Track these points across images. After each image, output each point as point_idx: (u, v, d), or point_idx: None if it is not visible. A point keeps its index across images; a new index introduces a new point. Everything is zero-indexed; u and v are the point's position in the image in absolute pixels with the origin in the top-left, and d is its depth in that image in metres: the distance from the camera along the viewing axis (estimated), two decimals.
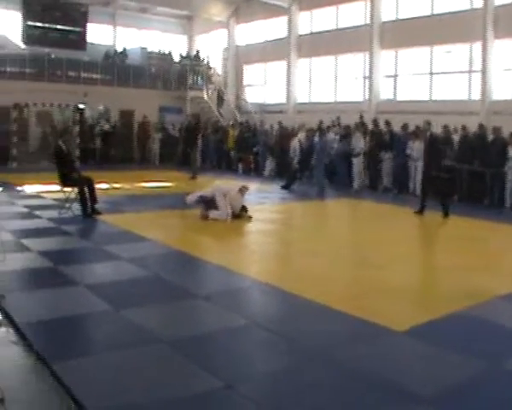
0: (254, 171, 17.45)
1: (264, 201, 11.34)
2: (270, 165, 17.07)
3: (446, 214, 9.65)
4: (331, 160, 14.22)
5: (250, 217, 8.82)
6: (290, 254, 6.85)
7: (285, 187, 13.65)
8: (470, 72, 15.33)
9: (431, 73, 16.25)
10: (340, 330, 4.08)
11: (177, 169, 17.60)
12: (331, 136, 14.99)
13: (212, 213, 8.61)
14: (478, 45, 14.90)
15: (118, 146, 19.05)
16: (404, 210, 10.68)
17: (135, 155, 19.40)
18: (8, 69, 17.89)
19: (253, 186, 13.88)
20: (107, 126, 18.89)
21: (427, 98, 16.18)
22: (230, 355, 3.56)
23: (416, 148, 12.69)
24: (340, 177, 14.24)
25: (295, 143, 15.19)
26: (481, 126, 12.43)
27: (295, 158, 14.10)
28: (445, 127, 12.64)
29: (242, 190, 8.99)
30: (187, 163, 16.32)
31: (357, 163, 13.48)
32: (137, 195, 11.64)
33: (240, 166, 18.02)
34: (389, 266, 6.05)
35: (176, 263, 6.06)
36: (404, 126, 13.59)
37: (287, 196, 12.66)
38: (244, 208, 8.85)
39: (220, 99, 22.25)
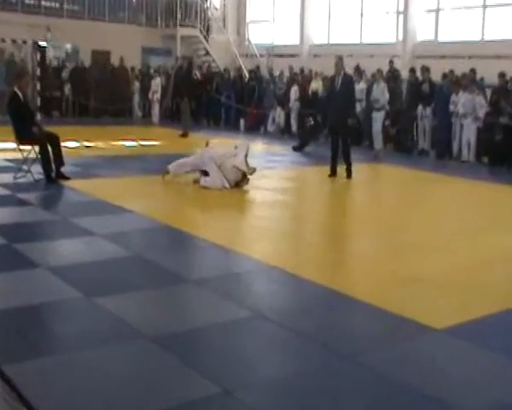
0: (258, 127, 17.37)
1: (271, 165, 11.32)
2: (279, 121, 16.95)
3: None
4: (357, 117, 14.06)
5: (250, 175, 8.68)
6: (303, 232, 6.83)
7: (297, 148, 13.62)
8: None
9: (484, 6, 15.83)
10: (366, 327, 4.05)
11: (164, 125, 17.51)
12: (357, 87, 14.80)
13: (204, 180, 8.56)
14: None
15: (90, 95, 18.90)
16: (447, 179, 10.60)
17: (111, 107, 19.23)
18: None
19: (258, 147, 13.82)
20: (73, 69, 18.69)
21: (477, 38, 15.83)
22: (229, 355, 3.53)
23: (461, 101, 12.55)
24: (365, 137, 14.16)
25: (293, 93, 15.06)
26: None
27: (293, 110, 14.01)
28: (502, 76, 12.40)
29: (240, 150, 8.80)
30: (176, 117, 16.23)
31: (380, 119, 13.28)
32: (114, 156, 11.63)
33: (242, 122, 17.89)
34: (431, 249, 6.00)
35: (162, 241, 6.07)
36: (448, 75, 13.35)
37: (299, 159, 12.62)
38: (246, 173, 8.71)
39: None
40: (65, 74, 18.65)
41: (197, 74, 19.01)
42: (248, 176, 8.71)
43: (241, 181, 8.70)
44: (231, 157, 8.68)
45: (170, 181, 8.89)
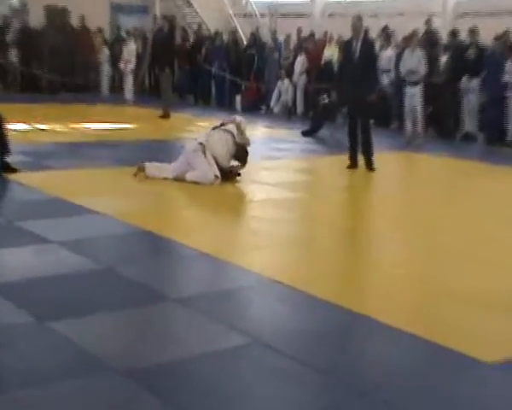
0: (259, 106, 17.40)
1: (276, 154, 11.36)
2: (286, 98, 16.98)
3: None
4: (383, 92, 14.07)
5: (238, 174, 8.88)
6: (316, 238, 6.83)
7: (308, 133, 13.67)
8: None
9: None
10: (399, 360, 4.05)
11: (139, 103, 17.52)
12: (385, 54, 14.82)
13: (190, 175, 8.60)
14: None
15: (43, 65, 18.89)
16: (501, 171, 10.67)
17: (71, 81, 19.25)
18: None
19: (259, 131, 13.82)
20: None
21: None
22: (220, 393, 3.51)
23: None
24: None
25: (299, 63, 15.10)
26: None
27: (299, 86, 14.03)
28: None
29: (231, 125, 8.95)
30: (155, 94, 16.23)
31: (418, 96, 13.23)
32: (76, 143, 11.66)
33: (238, 99, 17.92)
34: (478, 260, 6.02)
35: (138, 250, 6.11)
36: (501, 37, 13.33)
37: (311, 146, 12.67)
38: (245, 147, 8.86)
39: None
40: (10, 37, 18.61)
41: (182, 39, 19.05)
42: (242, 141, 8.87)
43: (236, 156, 8.83)
44: (221, 127, 8.90)
45: (146, 175, 8.89)
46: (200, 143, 8.64)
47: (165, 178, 8.70)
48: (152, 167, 8.79)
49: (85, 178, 8.89)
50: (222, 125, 9.06)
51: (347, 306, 4.72)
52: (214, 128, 9.05)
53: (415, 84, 13.08)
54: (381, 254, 6.25)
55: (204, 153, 8.59)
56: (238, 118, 9.25)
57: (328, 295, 4.90)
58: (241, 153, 8.89)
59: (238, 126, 8.96)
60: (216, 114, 15.88)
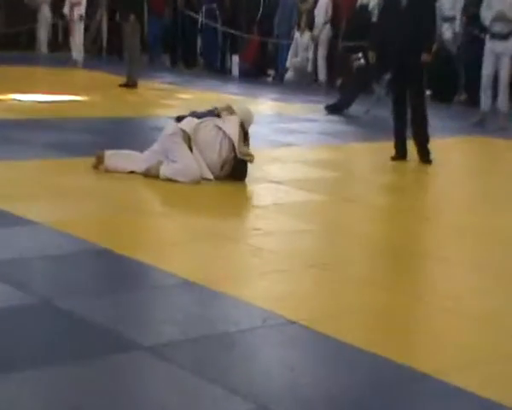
0: (264, 70, 17.41)
1: (288, 140, 11.43)
2: (304, 59, 17.04)
3: None
4: (445, 50, 14.12)
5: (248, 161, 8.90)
6: (345, 260, 6.86)
7: (335, 108, 13.76)
8: None
9: None
10: None
11: (93, 66, 17.51)
12: None
13: (166, 169, 8.63)
14: None
15: None
16: None
17: None
18: None
19: (264, 106, 13.81)
20: None
21: None
22: None
23: None
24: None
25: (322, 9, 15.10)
26: None
27: (322, 42, 14.01)
28: None
29: (232, 116, 8.96)
30: (116, 52, 16.16)
31: (504, 55, 13.19)
32: (1, 120, 11.72)
33: (235, 60, 17.95)
34: None
35: (94, 276, 6.14)
36: None
37: (339, 127, 12.73)
38: (244, 157, 8.86)
39: None
40: None
41: None
42: (245, 158, 8.82)
43: (232, 169, 8.81)
44: (213, 122, 8.83)
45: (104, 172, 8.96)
46: (183, 131, 8.68)
47: (132, 172, 8.75)
48: (115, 157, 8.85)
49: (13, 173, 8.89)
50: (217, 114, 9.02)
51: (389, 355, 4.73)
52: (203, 115, 9.03)
53: (505, 37, 12.95)
54: (439, 284, 6.27)
55: (188, 145, 8.64)
56: (243, 109, 9.17)
57: (361, 341, 4.91)
58: (239, 167, 8.85)
59: (242, 125, 8.91)
60: (203, 82, 15.90)
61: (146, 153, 8.89)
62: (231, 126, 8.84)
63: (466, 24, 14.19)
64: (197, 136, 8.73)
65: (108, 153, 8.82)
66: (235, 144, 8.73)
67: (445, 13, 14.67)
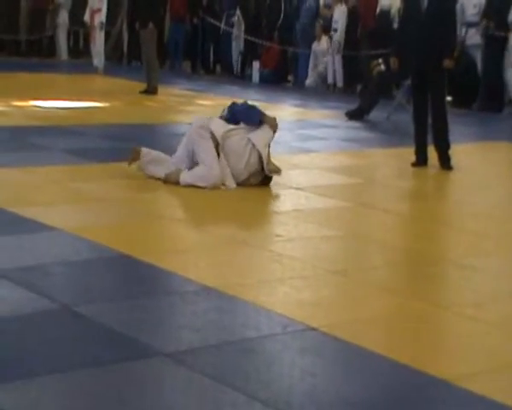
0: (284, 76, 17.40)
1: (309, 146, 11.42)
2: (325, 65, 17.06)
3: None
4: (467, 56, 14.08)
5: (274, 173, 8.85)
6: (369, 267, 6.83)
7: (356, 114, 13.75)
8: None
9: None
10: None
11: (112, 72, 17.54)
12: None
13: (187, 175, 8.60)
14: None
15: None
16: None
17: (13, 39, 19.33)
18: None
19: (285, 112, 13.81)
20: None
21: None
22: None
23: None
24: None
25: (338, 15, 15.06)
26: None
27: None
28: None
29: (263, 127, 8.92)
30: (136, 59, 16.18)
31: None
32: (21, 127, 11.77)
33: (255, 67, 17.97)
34: None
35: (114, 283, 6.13)
36: None
37: (359, 134, 12.69)
38: (269, 171, 8.83)
39: None
40: None
41: None
42: (271, 173, 8.80)
43: (257, 180, 8.84)
44: (244, 131, 8.80)
45: (126, 175, 8.96)
46: (212, 134, 8.60)
47: (159, 179, 8.74)
48: (147, 159, 8.82)
49: (33, 178, 8.90)
50: (260, 121, 8.93)
51: (413, 364, 4.69)
52: (239, 116, 8.97)
53: None
54: (460, 290, 6.26)
55: (216, 149, 8.59)
56: (271, 121, 9.00)
57: (386, 349, 4.90)
58: (265, 182, 8.85)
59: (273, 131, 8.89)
60: (223, 88, 15.91)
61: (174, 156, 8.89)
62: (262, 139, 8.79)
63: (487, 28, 14.13)
64: (225, 143, 8.69)
65: (145, 150, 8.82)
66: (264, 159, 8.71)
67: (469, 18, 14.63)
